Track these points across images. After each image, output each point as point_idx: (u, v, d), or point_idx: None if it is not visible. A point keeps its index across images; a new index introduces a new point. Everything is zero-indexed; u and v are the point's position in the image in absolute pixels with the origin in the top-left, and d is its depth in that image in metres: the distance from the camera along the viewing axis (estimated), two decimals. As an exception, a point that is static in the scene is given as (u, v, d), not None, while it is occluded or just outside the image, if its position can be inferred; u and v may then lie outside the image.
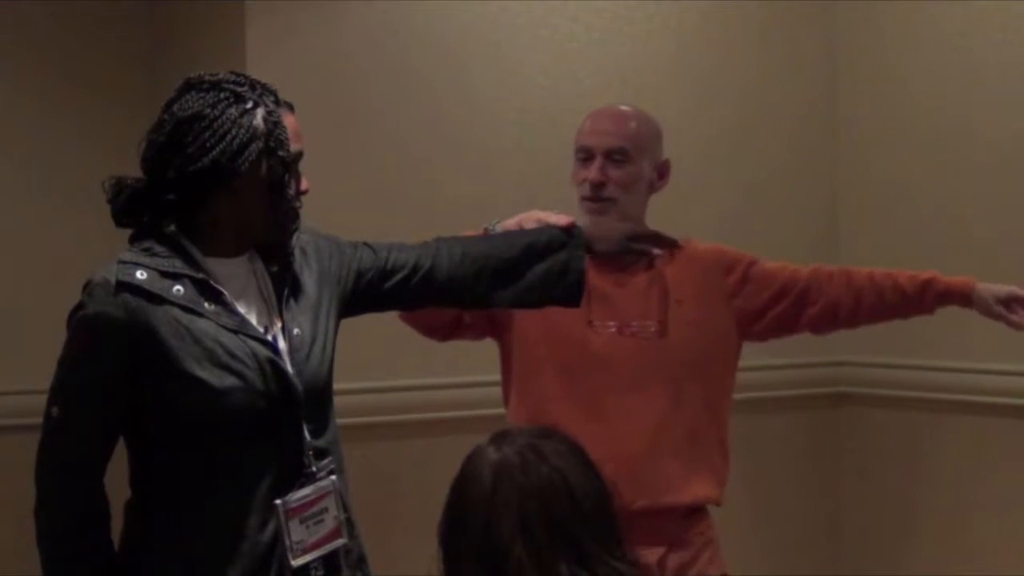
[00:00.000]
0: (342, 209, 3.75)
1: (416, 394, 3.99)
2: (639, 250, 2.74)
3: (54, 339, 2.39)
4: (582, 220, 3.00)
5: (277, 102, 2.38)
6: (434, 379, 3.96)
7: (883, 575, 4.41)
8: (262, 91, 2.37)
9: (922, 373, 4.27)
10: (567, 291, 2.68)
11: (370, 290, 2.58)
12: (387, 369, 3.90)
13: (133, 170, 2.40)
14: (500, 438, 1.96)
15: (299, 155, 2.40)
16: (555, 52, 4.18)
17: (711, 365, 3.09)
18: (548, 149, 4.15)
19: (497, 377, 3.74)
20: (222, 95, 2.34)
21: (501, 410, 3.84)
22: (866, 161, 4.47)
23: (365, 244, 2.63)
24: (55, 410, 2.31)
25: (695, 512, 3.09)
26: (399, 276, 2.60)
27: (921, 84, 4.28)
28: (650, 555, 2.99)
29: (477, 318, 3.06)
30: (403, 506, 3.88)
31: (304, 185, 2.43)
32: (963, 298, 3.09)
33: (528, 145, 4.14)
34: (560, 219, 2.72)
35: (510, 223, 2.75)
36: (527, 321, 3.02)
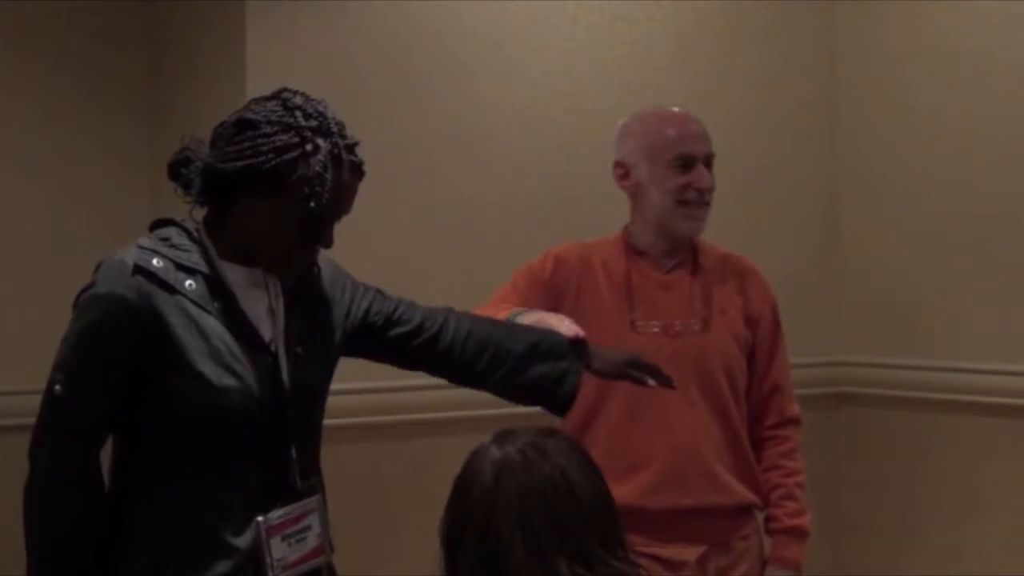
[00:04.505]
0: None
1: (416, 394, 3.98)
2: (636, 378, 2.75)
3: (55, 339, 2.39)
4: (680, 227, 3.05)
5: (339, 159, 2.31)
6: (434, 379, 3.94)
7: (883, 575, 4.41)
8: (333, 141, 2.31)
9: (922, 373, 4.27)
10: (558, 402, 2.68)
11: (373, 332, 2.58)
12: (387, 369, 3.88)
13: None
14: (503, 436, 1.97)
15: (330, 213, 2.34)
16: (555, 52, 4.18)
17: (739, 376, 3.12)
18: (548, 149, 4.16)
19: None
20: (289, 120, 2.30)
21: (501, 410, 3.84)
22: (866, 161, 4.47)
23: (377, 290, 2.62)
24: (58, 387, 2.30)
25: (740, 514, 3.12)
26: (403, 329, 2.60)
27: (921, 84, 4.28)
28: (689, 553, 3.03)
29: None
30: (403, 506, 3.88)
31: (330, 242, 2.38)
32: None
33: (528, 145, 4.14)
34: (569, 329, 2.71)
35: (527, 320, 2.77)
36: None
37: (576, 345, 2.69)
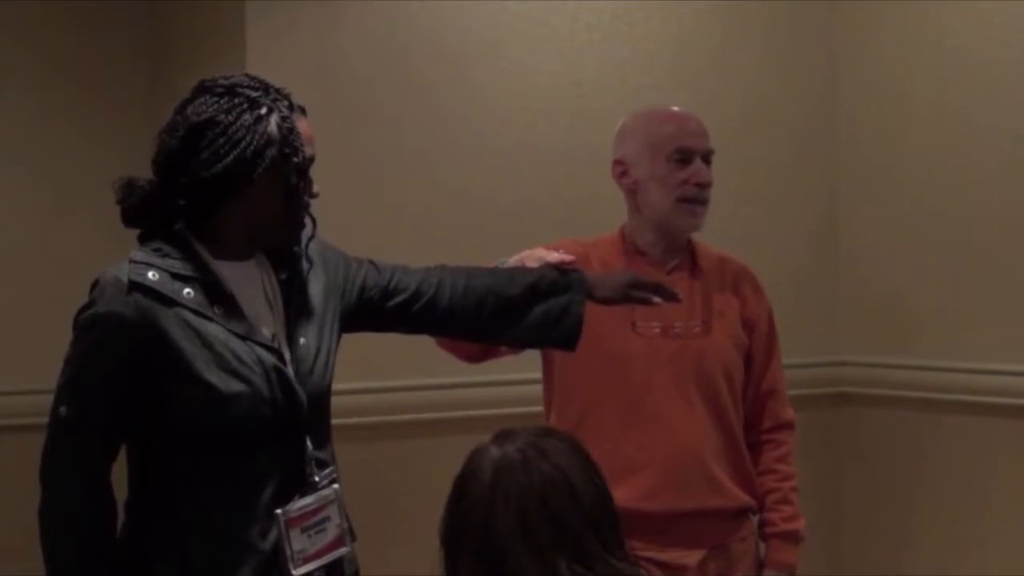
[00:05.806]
0: (341, 209, 3.75)
1: (416, 394, 3.99)
2: (640, 298, 2.74)
3: (56, 339, 2.39)
4: (680, 224, 3.04)
5: (291, 107, 2.37)
6: (434, 379, 3.96)
7: (883, 574, 4.40)
8: (276, 95, 2.36)
9: (922, 373, 4.27)
10: (565, 334, 2.67)
11: (371, 307, 2.58)
12: (387, 369, 3.90)
13: (134, 170, 2.40)
14: (502, 436, 1.97)
15: (311, 160, 2.39)
16: (555, 52, 4.18)
17: (737, 379, 3.12)
18: (548, 149, 4.16)
19: (497, 377, 3.74)
20: (236, 100, 2.32)
21: (501, 410, 3.83)
22: (866, 160, 4.47)
23: (370, 261, 2.62)
24: (63, 409, 2.29)
25: (738, 517, 3.12)
26: (401, 298, 2.60)
27: (921, 84, 4.28)
28: (689, 557, 3.02)
29: None
30: (403, 506, 3.88)
31: (315, 189, 2.42)
32: None
33: (528, 145, 4.14)
34: (559, 259, 2.71)
35: (513, 260, 2.76)
36: None
37: (572, 276, 2.68)
